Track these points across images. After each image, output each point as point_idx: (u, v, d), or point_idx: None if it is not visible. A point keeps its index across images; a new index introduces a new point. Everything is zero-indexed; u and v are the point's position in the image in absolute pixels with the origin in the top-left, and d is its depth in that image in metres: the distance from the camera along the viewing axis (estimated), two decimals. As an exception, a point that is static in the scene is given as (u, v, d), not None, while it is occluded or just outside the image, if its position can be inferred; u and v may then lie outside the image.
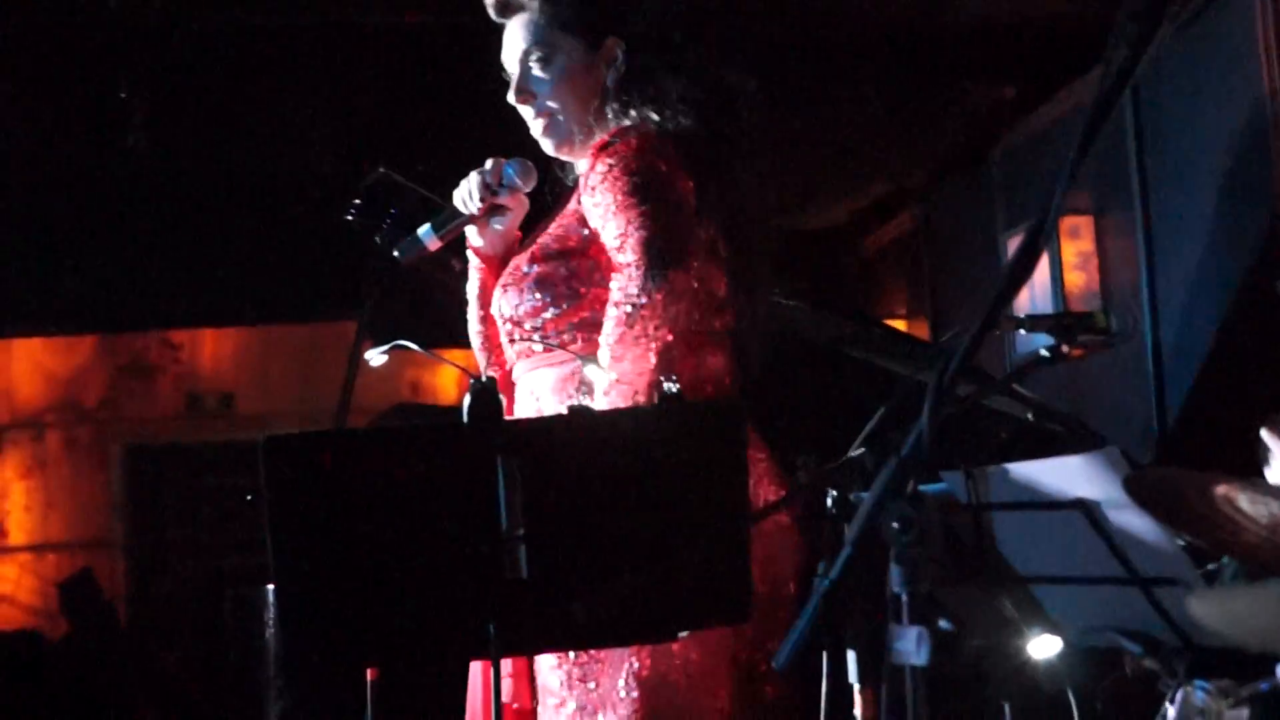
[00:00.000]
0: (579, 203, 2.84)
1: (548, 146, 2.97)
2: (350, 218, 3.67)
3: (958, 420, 1.97)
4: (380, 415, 5.35)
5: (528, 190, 2.98)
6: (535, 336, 2.80)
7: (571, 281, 2.80)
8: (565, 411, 2.51)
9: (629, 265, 2.68)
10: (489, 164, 2.98)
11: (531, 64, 2.94)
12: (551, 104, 2.92)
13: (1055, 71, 5.82)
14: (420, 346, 2.96)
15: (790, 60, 5.60)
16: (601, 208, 2.75)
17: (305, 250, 6.95)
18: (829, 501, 2.41)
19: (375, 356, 2.90)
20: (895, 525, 1.57)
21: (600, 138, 2.85)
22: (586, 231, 2.80)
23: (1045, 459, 2.11)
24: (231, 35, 5.55)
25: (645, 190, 2.72)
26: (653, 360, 2.63)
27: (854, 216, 8.29)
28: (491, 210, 2.98)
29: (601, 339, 2.68)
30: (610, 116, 2.89)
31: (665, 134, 2.81)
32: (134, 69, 5.69)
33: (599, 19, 2.92)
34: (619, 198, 2.72)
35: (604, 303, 2.73)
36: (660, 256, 2.67)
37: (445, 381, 8.36)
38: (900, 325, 8.12)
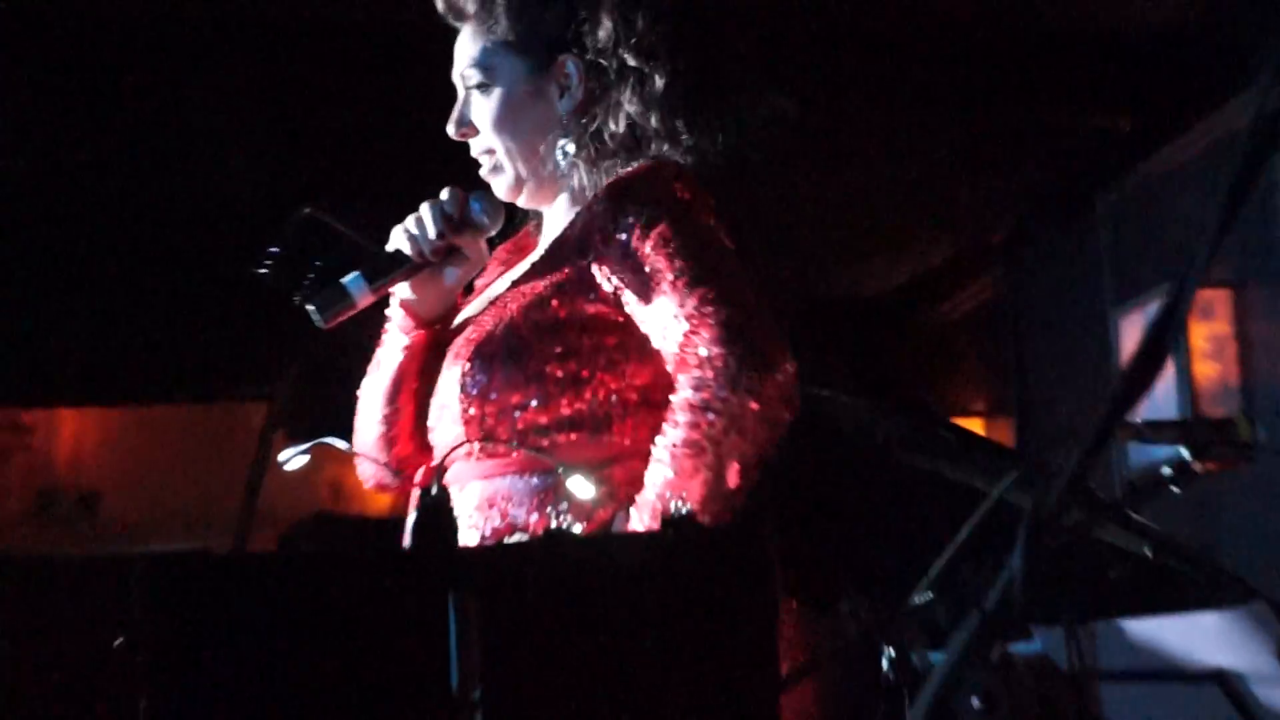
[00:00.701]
0: (578, 258, 2.83)
1: (497, 190, 3.00)
2: (263, 270, 3.66)
3: (1056, 558, 1.97)
4: (294, 527, 5.35)
5: (494, 233, 3.01)
6: (508, 431, 2.78)
7: (569, 362, 2.79)
8: (538, 535, 2.50)
9: (709, 361, 2.65)
10: (446, 194, 2.99)
11: (470, 90, 2.98)
12: (493, 140, 2.96)
13: (1186, 99, 5.86)
14: (348, 444, 2.96)
15: (838, 76, 5.64)
16: (645, 279, 2.73)
17: (200, 310, 6.96)
18: (885, 664, 2.40)
19: (293, 458, 2.89)
20: (977, 702, 1.56)
21: (617, 175, 2.87)
22: (594, 297, 2.80)
23: (1170, 612, 2.09)
24: (117, 22, 5.59)
25: (710, 258, 2.74)
26: (732, 484, 2.62)
27: (920, 280, 8.32)
28: (447, 254, 2.99)
29: (660, 449, 2.66)
30: (582, 138, 2.92)
31: (697, 172, 2.85)
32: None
33: (546, 32, 2.96)
34: (677, 266, 2.72)
35: (611, 394, 2.74)
36: (755, 354, 2.65)
37: (374, 485, 8.36)
38: (977, 425, 8.13)
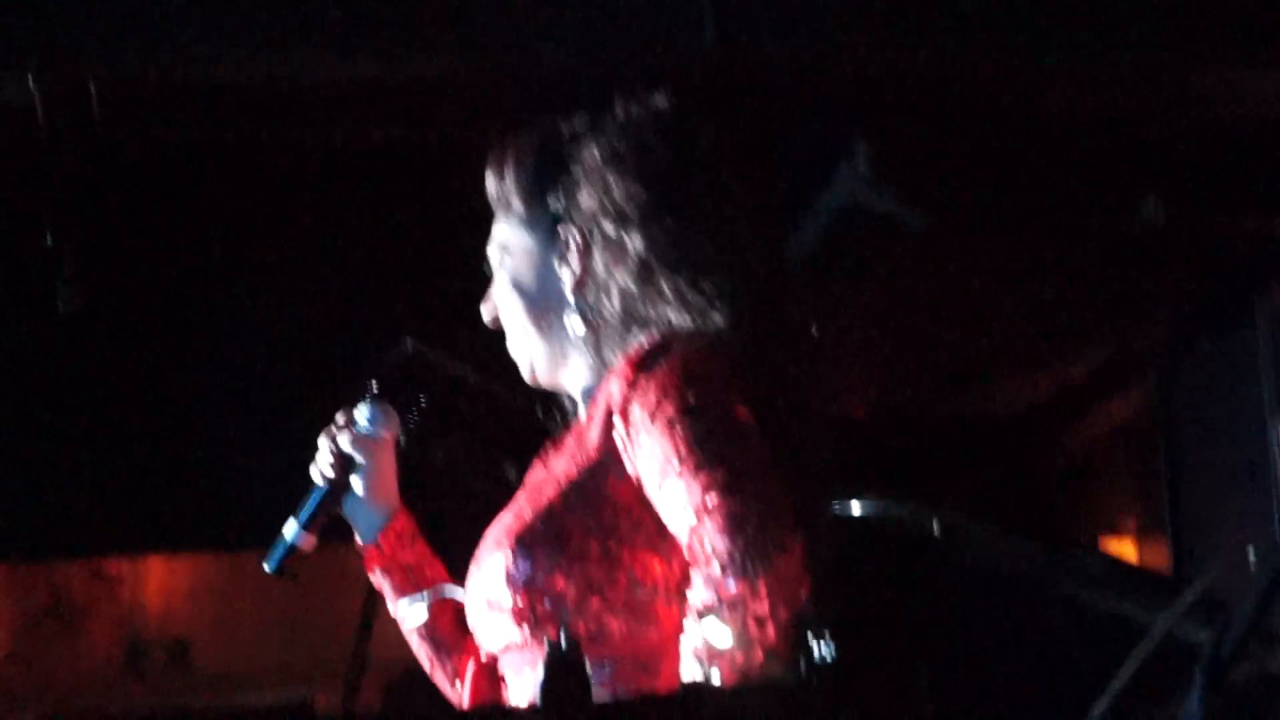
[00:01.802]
0: (603, 439, 2.88)
1: (522, 371, 3.14)
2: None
3: (1235, 699, 1.96)
4: (403, 678, 5.36)
5: (389, 436, 3.24)
6: (557, 619, 2.84)
7: (607, 541, 2.85)
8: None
9: (715, 555, 2.71)
10: (339, 416, 3.21)
11: (490, 267, 3.16)
12: (505, 319, 3.13)
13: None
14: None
15: (974, 177, 5.65)
16: (656, 461, 2.80)
17: (292, 452, 7.02)
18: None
19: (411, 609, 2.93)
20: None
21: (634, 348, 2.91)
22: (622, 475, 2.86)
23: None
24: (201, 156, 5.70)
25: (716, 439, 2.79)
26: (757, 674, 2.66)
27: (1061, 398, 8.27)
28: (346, 467, 3.14)
29: (685, 649, 2.71)
30: (586, 312, 2.98)
31: (715, 343, 2.89)
32: (62, 203, 5.84)
33: (552, 204, 3.07)
34: (683, 451, 2.77)
35: (648, 572, 2.82)
36: (759, 541, 2.71)
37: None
38: (1129, 547, 8.05)
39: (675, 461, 2.75)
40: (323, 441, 3.20)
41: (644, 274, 2.95)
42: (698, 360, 2.84)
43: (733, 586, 2.66)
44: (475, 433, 3.71)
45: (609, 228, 2.98)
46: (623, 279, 2.96)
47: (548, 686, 2.12)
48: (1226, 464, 7.17)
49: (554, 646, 2.16)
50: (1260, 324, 6.72)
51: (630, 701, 2.70)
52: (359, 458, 3.16)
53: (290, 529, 3.17)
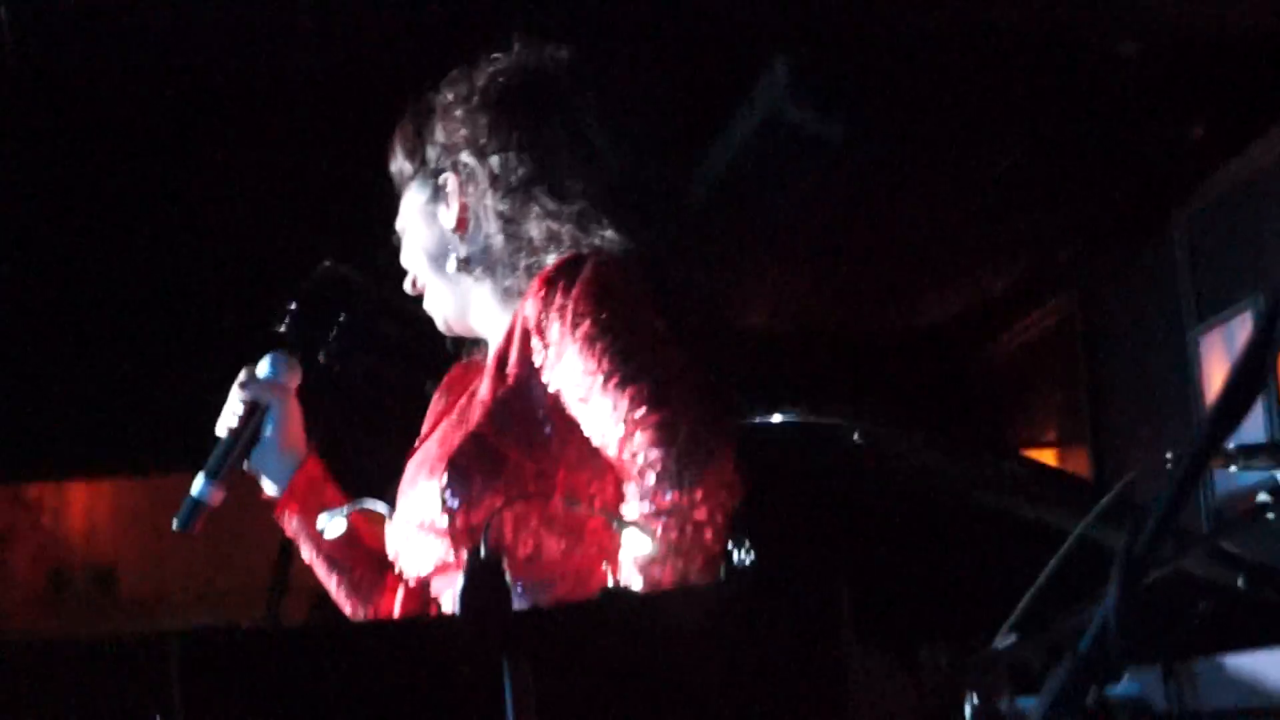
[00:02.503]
0: (523, 359, 2.91)
1: (440, 328, 3.18)
2: (283, 329, 3.70)
3: (1149, 595, 1.98)
4: (326, 598, 5.36)
5: (292, 385, 3.21)
6: (495, 538, 2.85)
7: (540, 460, 2.87)
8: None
9: (649, 467, 2.73)
10: (242, 373, 3.20)
11: (402, 238, 3.20)
12: (418, 281, 3.16)
13: (1262, 102, 5.86)
14: (388, 508, 3.00)
15: (890, 93, 5.66)
16: (578, 377, 2.82)
17: (216, 372, 7.00)
18: (968, 712, 2.41)
19: (333, 523, 2.92)
20: (1073, 749, 1.57)
21: (544, 267, 2.94)
22: (545, 395, 2.88)
23: (1271, 646, 2.10)
24: (132, 80, 5.66)
25: (638, 352, 2.82)
26: (695, 579, 2.69)
27: (982, 307, 8.32)
28: (252, 414, 3.16)
29: (623, 557, 2.73)
30: (470, 248, 3.03)
31: (622, 258, 2.93)
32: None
33: (427, 162, 3.13)
34: (607, 366, 2.80)
35: (584, 489, 2.83)
36: (691, 449, 2.73)
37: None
38: (1049, 457, 8.11)
39: (599, 376, 2.76)
40: (232, 395, 3.20)
41: (511, 194, 3.00)
42: (610, 274, 2.86)
43: (668, 495, 2.67)
44: (395, 353, 3.69)
45: (468, 159, 3.03)
46: (493, 203, 3.00)
47: (467, 594, 2.12)
48: (1146, 374, 7.22)
49: (473, 555, 2.16)
50: (1177, 235, 6.76)
51: (548, 609, 2.71)
52: (265, 401, 3.16)
53: (198, 485, 3.15)
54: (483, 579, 2.16)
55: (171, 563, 8.84)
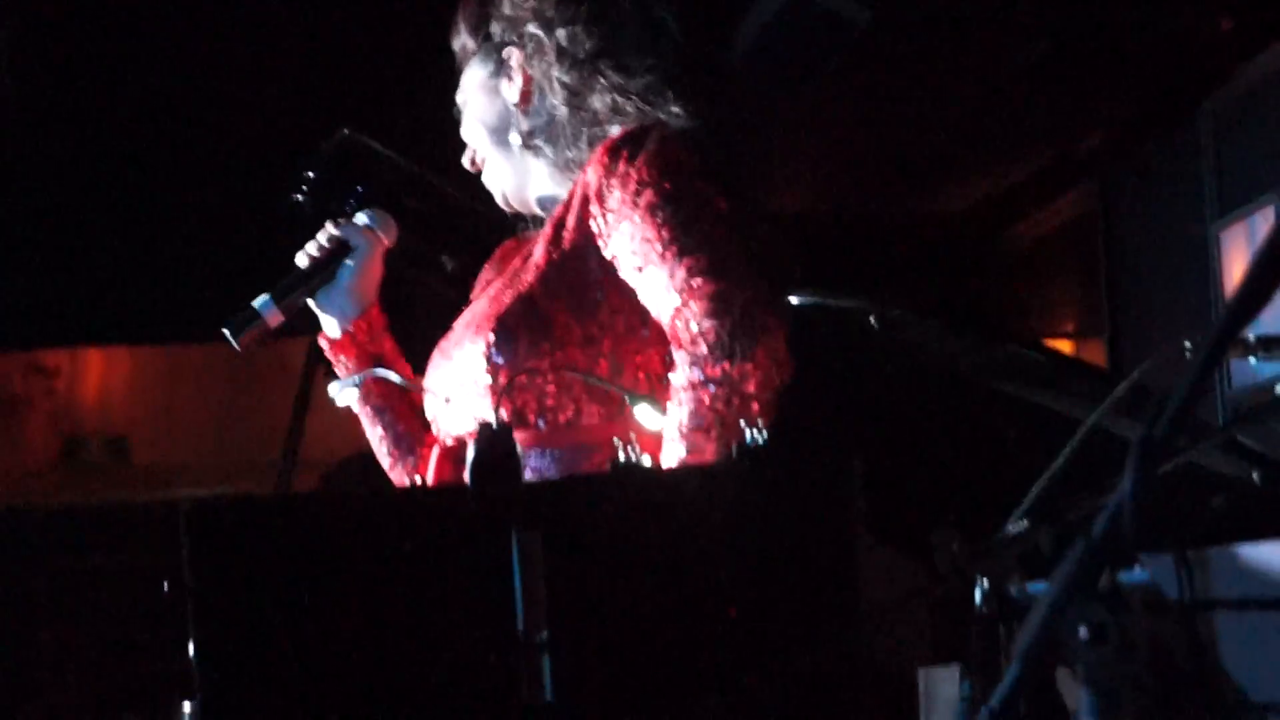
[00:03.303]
0: (581, 225, 2.92)
1: (500, 203, 3.23)
2: (299, 198, 3.68)
3: (1164, 484, 1.96)
4: (338, 469, 5.37)
5: (386, 243, 3.23)
6: (536, 403, 2.86)
7: (588, 326, 2.89)
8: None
9: (702, 336, 2.75)
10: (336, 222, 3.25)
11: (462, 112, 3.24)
12: (477, 155, 3.22)
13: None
14: (400, 377, 3.01)
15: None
16: (637, 246, 2.85)
17: (231, 241, 6.99)
18: (978, 596, 2.40)
19: (341, 391, 2.92)
20: (1084, 633, 1.56)
21: (609, 137, 2.96)
22: (600, 262, 2.89)
23: (1283, 539, 2.09)
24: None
25: (699, 225, 2.87)
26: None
27: (1003, 196, 8.28)
28: (338, 252, 3.17)
29: (669, 428, 2.75)
30: (533, 121, 3.07)
31: (686, 135, 2.95)
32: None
33: (492, 37, 3.18)
34: (665, 236, 2.83)
35: (630, 358, 2.88)
36: (745, 321, 2.76)
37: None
38: (1066, 347, 8.10)
39: (658, 245, 2.81)
40: (324, 230, 3.21)
41: (576, 65, 3.04)
42: (675, 147, 2.92)
43: (719, 365, 2.72)
44: (413, 223, 3.68)
45: (534, 29, 3.07)
46: (559, 74, 3.05)
47: (477, 464, 2.12)
48: (1166, 267, 7.20)
49: (485, 426, 2.15)
50: (1201, 127, 6.71)
51: (558, 480, 2.72)
52: (354, 243, 3.17)
53: (261, 300, 3.15)
54: (493, 450, 2.16)
55: (185, 433, 8.87)
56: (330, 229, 3.21)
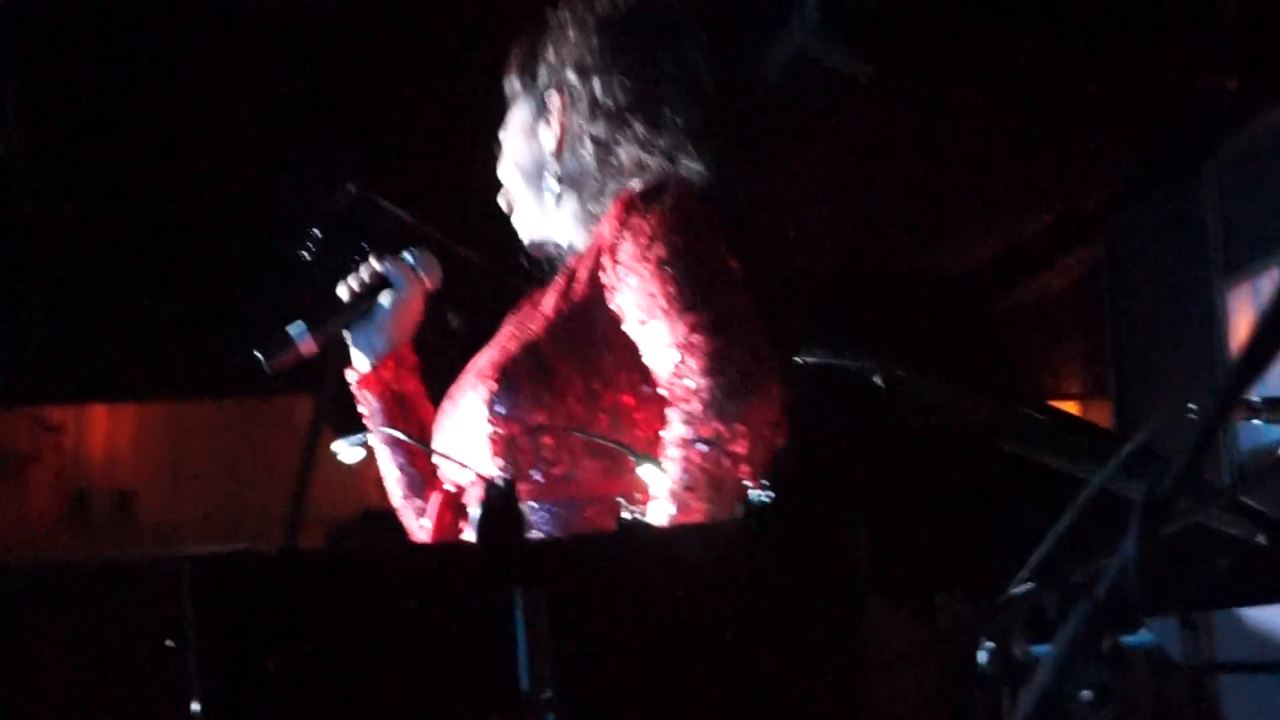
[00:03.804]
0: (592, 278, 2.92)
1: (524, 241, 3.25)
2: (305, 252, 3.69)
3: (1169, 545, 1.96)
4: (342, 527, 5.37)
5: (429, 286, 3.23)
6: (532, 456, 2.86)
7: (590, 380, 2.89)
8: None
9: (697, 391, 2.75)
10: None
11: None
12: (510, 195, 3.23)
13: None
14: (408, 436, 3.01)
15: (918, 33, 5.63)
16: (642, 299, 2.84)
17: (236, 298, 6.99)
18: (983, 657, 2.40)
19: (348, 450, 2.93)
20: (1088, 695, 1.55)
21: (625, 190, 2.96)
22: (607, 316, 2.89)
23: (1289, 601, 2.09)
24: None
25: (705, 282, 2.86)
26: (728, 515, 2.70)
27: (1007, 255, 8.28)
28: (377, 287, 3.18)
29: (658, 487, 2.74)
30: (564, 170, 3.04)
31: (705, 193, 2.95)
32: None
33: (540, 76, 3.20)
34: (670, 291, 2.83)
35: (628, 414, 2.86)
36: (740, 381, 2.76)
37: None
38: (1072, 407, 8.09)
39: (663, 300, 2.81)
40: (366, 264, 3.22)
41: (609, 119, 3.05)
42: (690, 205, 2.92)
43: (712, 424, 2.71)
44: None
45: (573, 79, 3.09)
46: (592, 128, 3.05)
47: (484, 522, 2.12)
48: (1172, 325, 7.19)
49: (491, 485, 2.15)
50: (1209, 184, 6.71)
51: (562, 539, 2.72)
52: (394, 281, 3.18)
53: (297, 327, 3.15)
54: (499, 507, 2.16)
55: (191, 489, 8.86)
56: (373, 264, 3.21)
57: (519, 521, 2.15)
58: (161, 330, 7.52)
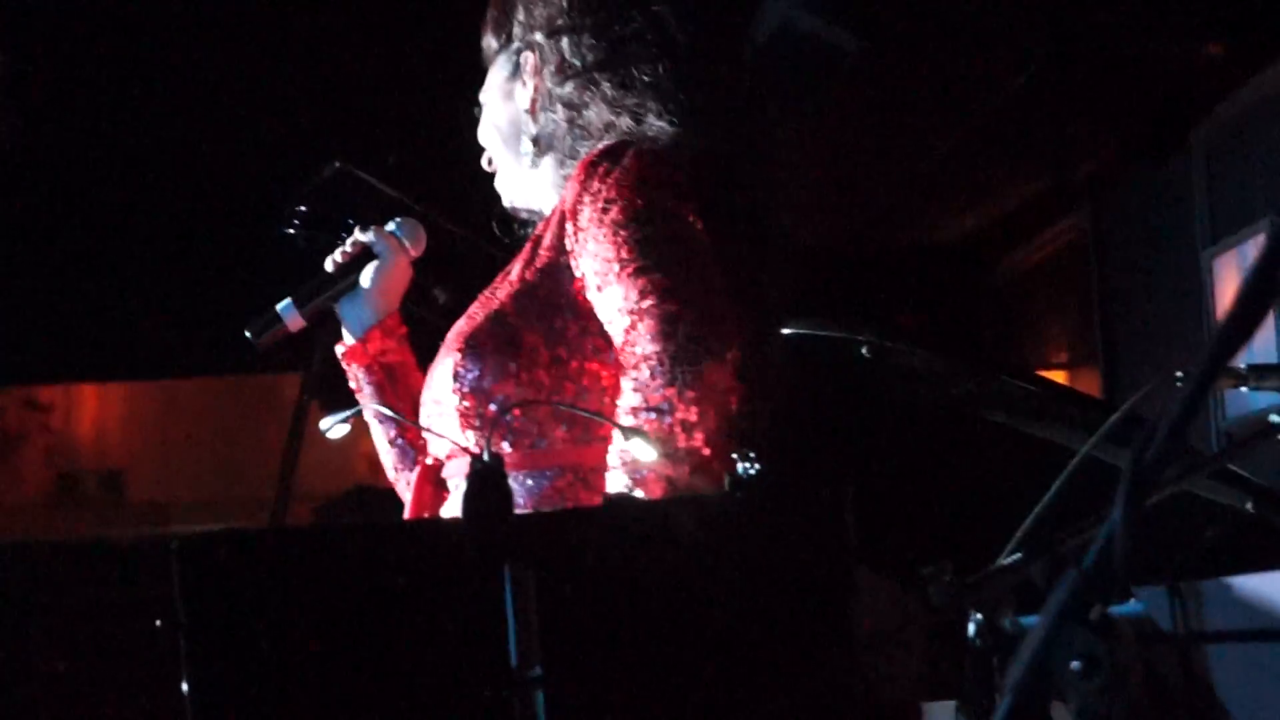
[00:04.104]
0: (557, 243, 2.89)
1: (505, 204, 3.18)
2: (292, 230, 3.68)
3: (1156, 514, 1.96)
4: (331, 504, 5.37)
5: (413, 254, 3.17)
6: (502, 426, 2.83)
7: (556, 347, 2.85)
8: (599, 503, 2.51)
9: (647, 357, 2.70)
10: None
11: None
12: (483, 140, 3.17)
13: (1280, 22, 5.82)
14: (392, 412, 3.00)
15: (903, 4, 5.62)
16: (598, 264, 2.80)
17: (224, 276, 6.99)
18: (972, 629, 2.40)
19: (334, 426, 2.91)
20: (1076, 665, 1.55)
21: (588, 154, 2.92)
22: (572, 281, 2.86)
23: (1276, 568, 2.09)
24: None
25: (660, 247, 2.78)
26: (683, 484, 2.66)
27: (995, 225, 8.29)
28: (361, 259, 3.13)
29: (611, 456, 2.71)
30: (538, 131, 3.01)
31: (670, 152, 2.90)
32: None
33: (513, 38, 3.12)
34: (624, 255, 2.77)
35: (595, 381, 2.80)
36: (690, 346, 2.70)
37: (416, 456, 8.37)
38: (1060, 377, 8.10)
39: (616, 264, 2.75)
40: (351, 236, 3.18)
41: (576, 78, 3.00)
42: (652, 164, 2.85)
43: (659, 391, 2.65)
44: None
45: (541, 39, 3.04)
46: (563, 87, 3.00)
47: (470, 498, 2.11)
48: (1159, 295, 7.20)
49: (477, 460, 2.14)
50: (1195, 153, 6.72)
51: (550, 514, 2.71)
52: (378, 251, 3.14)
53: (283, 304, 3.13)
54: (485, 482, 2.15)
55: (180, 468, 8.88)
56: (356, 235, 3.18)
57: (507, 498, 2.15)
58: (150, 310, 7.52)
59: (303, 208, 3.66)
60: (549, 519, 2.55)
